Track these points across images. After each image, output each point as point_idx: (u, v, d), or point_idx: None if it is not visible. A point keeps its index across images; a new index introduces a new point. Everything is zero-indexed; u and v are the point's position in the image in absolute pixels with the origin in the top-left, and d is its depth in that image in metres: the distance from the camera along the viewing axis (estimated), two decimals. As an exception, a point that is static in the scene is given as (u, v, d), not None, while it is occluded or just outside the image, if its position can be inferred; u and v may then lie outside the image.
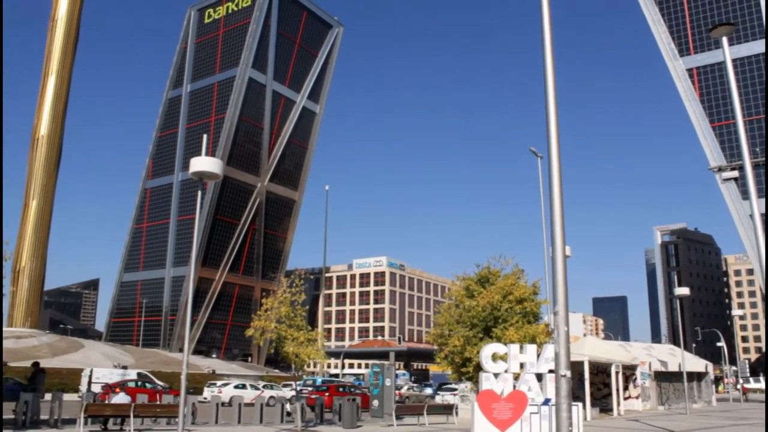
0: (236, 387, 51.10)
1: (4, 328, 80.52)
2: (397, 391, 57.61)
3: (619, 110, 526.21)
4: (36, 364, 34.76)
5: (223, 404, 29.99)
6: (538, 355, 16.37)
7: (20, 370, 52.06)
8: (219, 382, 54.57)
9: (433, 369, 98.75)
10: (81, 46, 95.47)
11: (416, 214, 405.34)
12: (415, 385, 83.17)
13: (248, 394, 45.50)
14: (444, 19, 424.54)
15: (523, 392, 15.87)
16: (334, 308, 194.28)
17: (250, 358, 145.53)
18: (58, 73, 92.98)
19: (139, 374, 52.76)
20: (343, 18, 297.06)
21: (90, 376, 49.84)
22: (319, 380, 63.00)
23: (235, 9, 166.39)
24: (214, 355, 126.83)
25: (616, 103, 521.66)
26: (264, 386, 54.26)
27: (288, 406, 31.23)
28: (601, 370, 39.54)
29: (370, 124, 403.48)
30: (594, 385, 38.16)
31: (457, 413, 32.24)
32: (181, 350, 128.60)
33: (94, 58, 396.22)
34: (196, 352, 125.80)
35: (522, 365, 16.45)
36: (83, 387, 48.78)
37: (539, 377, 16.23)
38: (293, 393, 53.49)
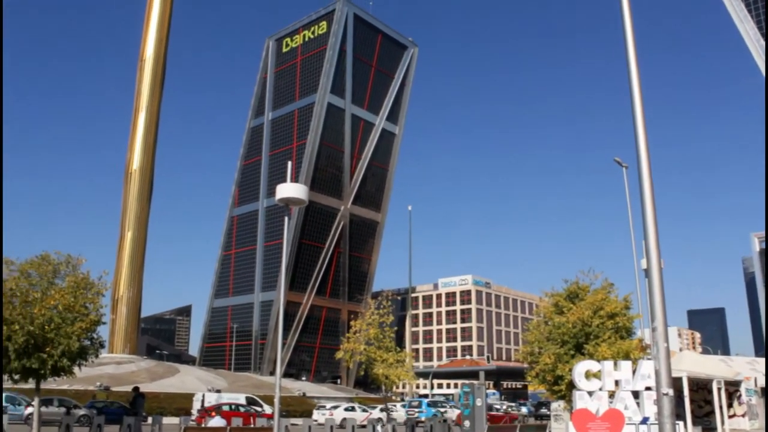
0: (346, 409, 52.45)
1: (106, 355, 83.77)
2: (499, 412, 57.08)
3: (705, 113, 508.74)
4: (136, 389, 36.10)
5: (320, 425, 30.27)
6: (634, 372, 15.83)
7: (122, 395, 54.15)
8: (328, 405, 55.83)
9: (532, 388, 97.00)
10: (167, 82, 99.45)
11: (500, 231, 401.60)
12: (513, 404, 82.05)
13: (358, 416, 46.69)
14: (519, 33, 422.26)
15: (620, 411, 15.35)
16: (421, 328, 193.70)
17: (339, 380, 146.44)
18: (148, 109, 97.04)
19: (247, 398, 54.21)
20: (417, 38, 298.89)
21: (202, 400, 51.61)
22: (425, 402, 63.46)
23: (312, 37, 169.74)
24: (303, 378, 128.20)
25: (703, 106, 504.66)
26: (381, 408, 55.46)
27: (379, 428, 31.23)
28: (701, 387, 37.83)
29: (450, 141, 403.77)
30: (694, 402, 36.52)
31: (550, 433, 31.52)
32: (271, 373, 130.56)
33: (180, 92, 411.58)
34: (286, 375, 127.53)
35: (617, 382, 15.93)
36: (195, 411, 50.39)
37: (635, 395, 15.68)
38: (410, 413, 54.18)
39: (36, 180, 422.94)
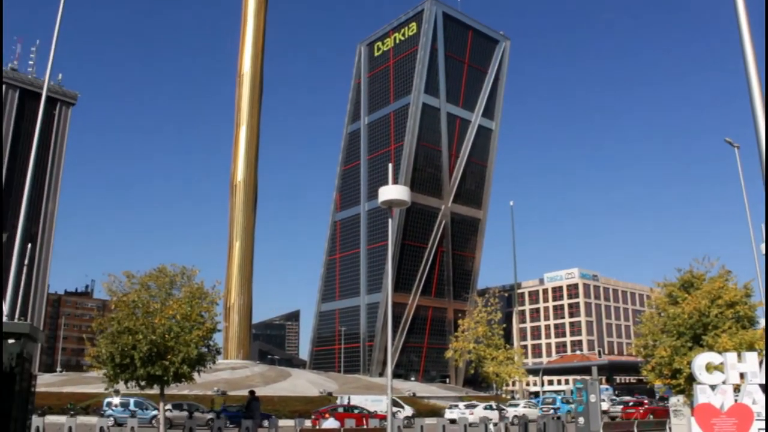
0: (485, 408, 52.93)
1: (221, 361, 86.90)
2: (637, 407, 55.63)
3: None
4: (252, 393, 37.23)
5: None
6: (760, 363, 15.01)
7: (237, 399, 56.09)
8: (461, 404, 56.30)
9: (654, 380, 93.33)
10: (265, 96, 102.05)
11: (605, 222, 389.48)
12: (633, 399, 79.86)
13: (495, 415, 47.14)
14: (615, 18, 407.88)
15: (748, 405, 14.59)
16: (528, 324, 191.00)
17: (447, 379, 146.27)
18: (248, 122, 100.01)
19: (393, 401, 55.25)
20: (508, 30, 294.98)
21: (348, 402, 53.21)
22: (558, 398, 62.98)
23: (402, 39, 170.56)
24: (412, 378, 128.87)
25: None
26: (492, 406, 55.66)
27: (491, 426, 31.02)
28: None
29: (549, 133, 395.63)
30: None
31: (670, 429, 30.39)
32: (380, 375, 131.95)
33: (278, 102, 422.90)
34: (395, 375, 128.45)
35: (742, 375, 15.15)
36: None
37: (764, 388, 14.86)
38: (544, 409, 53.97)
39: (151, 191, 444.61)
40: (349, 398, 54.80)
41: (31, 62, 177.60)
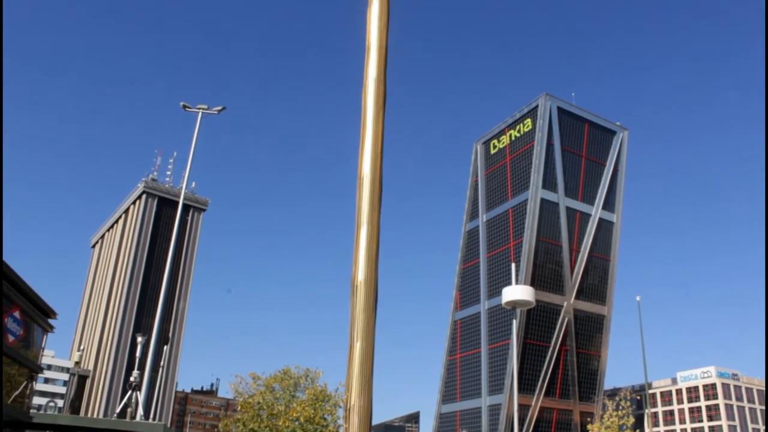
0: None
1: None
2: None
3: None
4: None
5: None
6: None
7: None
8: None
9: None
10: (384, 196, 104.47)
11: (742, 314, 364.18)
12: None
13: None
14: (735, 97, 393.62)
15: None
16: (662, 428, 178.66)
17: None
18: (369, 222, 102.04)
19: None
20: (625, 119, 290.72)
21: None
22: None
23: (518, 135, 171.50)
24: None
25: None
26: None
27: None
28: None
29: (675, 222, 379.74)
30: None
31: None
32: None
33: (395, 203, 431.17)
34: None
35: None
36: None
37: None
38: None
39: (268, 291, 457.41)
40: None
41: (168, 172, 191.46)
